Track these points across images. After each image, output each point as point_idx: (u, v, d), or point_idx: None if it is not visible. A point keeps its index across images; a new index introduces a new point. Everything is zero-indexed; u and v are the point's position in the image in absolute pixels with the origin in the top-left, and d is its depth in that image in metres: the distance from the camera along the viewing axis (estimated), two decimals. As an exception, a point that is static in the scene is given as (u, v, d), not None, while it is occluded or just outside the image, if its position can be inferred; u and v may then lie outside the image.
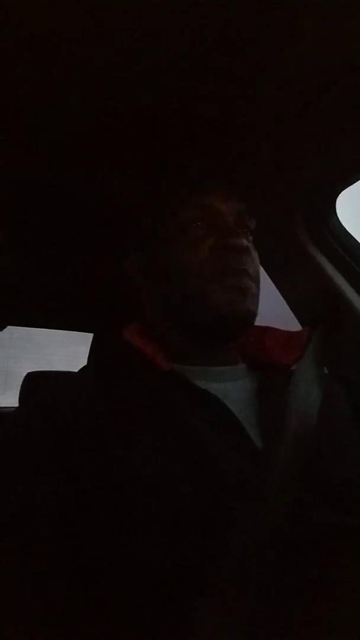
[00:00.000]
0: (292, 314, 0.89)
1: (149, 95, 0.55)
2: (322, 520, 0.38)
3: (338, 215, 0.79)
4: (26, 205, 0.84)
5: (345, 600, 0.34)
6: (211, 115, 0.59)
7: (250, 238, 0.56)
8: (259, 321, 0.58)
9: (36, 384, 1.45)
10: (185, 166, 0.70)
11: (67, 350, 6.08)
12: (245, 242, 0.51)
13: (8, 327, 1.69)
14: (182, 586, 0.34)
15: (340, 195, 0.74)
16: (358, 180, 0.68)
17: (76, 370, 0.63)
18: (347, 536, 0.37)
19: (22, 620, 0.34)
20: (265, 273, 0.88)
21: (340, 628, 0.33)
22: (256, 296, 0.53)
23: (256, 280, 0.53)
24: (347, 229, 0.79)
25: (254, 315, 0.52)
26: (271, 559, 0.35)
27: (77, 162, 0.70)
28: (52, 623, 0.35)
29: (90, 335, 1.46)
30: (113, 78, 0.52)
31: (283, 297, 0.89)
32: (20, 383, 1.50)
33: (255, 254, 0.55)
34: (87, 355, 1.45)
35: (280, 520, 0.37)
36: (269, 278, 0.89)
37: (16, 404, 1.55)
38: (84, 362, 1.49)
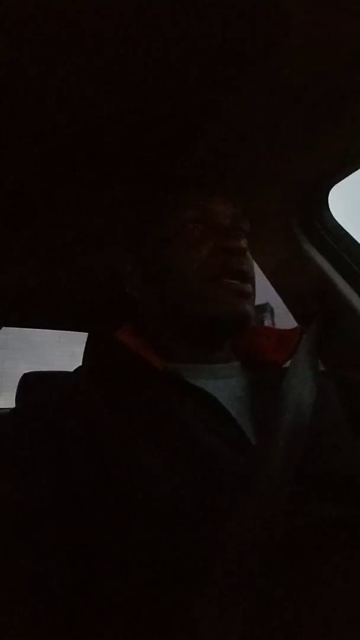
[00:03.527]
0: (286, 309, 0.89)
1: (146, 99, 0.55)
2: (317, 513, 0.38)
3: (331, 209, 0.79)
4: (20, 206, 0.83)
5: (344, 595, 0.34)
6: (202, 113, 0.59)
7: (245, 240, 0.57)
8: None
9: (32, 385, 1.44)
10: (178, 167, 0.70)
11: (63, 351, 6.07)
12: (242, 244, 0.52)
13: (3, 328, 1.68)
14: (179, 583, 0.34)
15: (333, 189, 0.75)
16: (349, 174, 0.69)
17: (72, 371, 0.63)
18: (343, 529, 0.37)
19: (21, 620, 0.34)
20: (259, 269, 0.88)
21: (339, 623, 0.33)
22: (253, 297, 0.54)
23: (252, 281, 0.54)
24: (340, 223, 0.79)
25: (251, 315, 0.53)
26: (268, 554, 0.35)
27: (71, 163, 0.70)
28: (50, 622, 0.35)
29: (86, 335, 1.46)
30: (113, 81, 0.52)
31: (277, 292, 0.89)
32: (16, 384, 1.49)
33: (250, 255, 0.55)
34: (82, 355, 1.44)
35: (277, 515, 0.37)
36: (263, 274, 0.89)
37: (13, 406, 1.54)
38: (80, 362, 1.48)
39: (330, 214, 0.79)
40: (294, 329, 0.62)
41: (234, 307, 0.50)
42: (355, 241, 0.78)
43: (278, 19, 0.45)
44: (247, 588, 0.33)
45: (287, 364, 0.56)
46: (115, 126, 0.61)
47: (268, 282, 0.89)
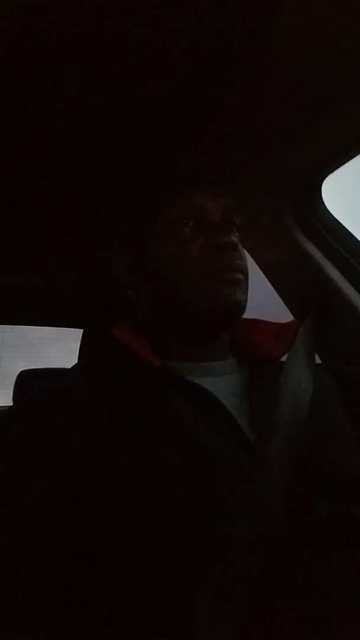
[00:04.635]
0: (283, 304, 0.89)
1: (145, 98, 0.55)
2: (317, 512, 0.38)
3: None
4: (15, 205, 0.83)
5: (344, 594, 0.35)
6: (195, 108, 0.59)
7: (237, 234, 0.57)
8: (251, 313, 0.58)
9: (29, 382, 1.44)
10: (172, 163, 0.69)
11: (60, 348, 6.05)
12: (233, 238, 0.52)
13: (0, 325, 1.67)
14: (180, 581, 0.34)
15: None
16: (341, 166, 0.69)
17: (69, 368, 0.63)
18: (342, 528, 0.38)
19: (20, 620, 0.34)
20: (255, 263, 0.88)
21: (339, 623, 0.33)
22: (246, 289, 0.53)
23: (245, 274, 0.54)
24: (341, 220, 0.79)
25: (244, 306, 0.53)
26: (268, 551, 0.35)
27: (67, 162, 0.69)
28: (50, 622, 0.35)
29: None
30: (112, 81, 0.52)
31: (273, 286, 0.89)
32: (13, 382, 1.49)
33: (242, 249, 0.55)
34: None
35: (276, 514, 0.37)
36: (258, 268, 0.89)
37: (10, 404, 1.54)
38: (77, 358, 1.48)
39: (325, 207, 0.78)
40: (290, 322, 0.62)
41: (225, 298, 0.50)
42: (350, 233, 0.78)
43: (271, 9, 0.44)
44: (246, 588, 0.33)
45: (284, 358, 0.56)
46: (115, 125, 0.60)
47: (264, 279, 0.88)
